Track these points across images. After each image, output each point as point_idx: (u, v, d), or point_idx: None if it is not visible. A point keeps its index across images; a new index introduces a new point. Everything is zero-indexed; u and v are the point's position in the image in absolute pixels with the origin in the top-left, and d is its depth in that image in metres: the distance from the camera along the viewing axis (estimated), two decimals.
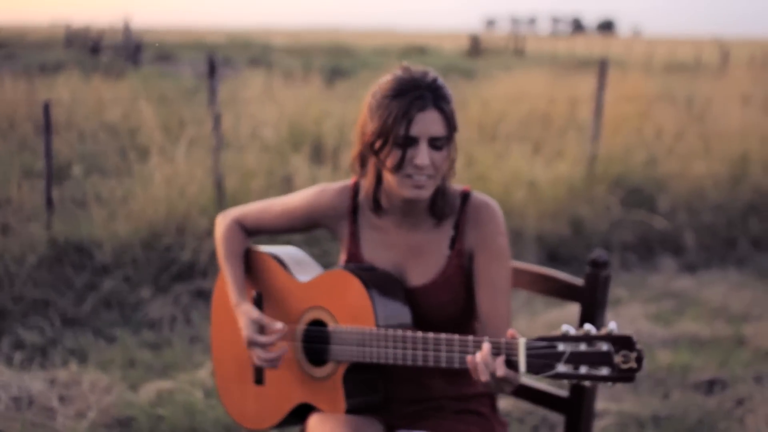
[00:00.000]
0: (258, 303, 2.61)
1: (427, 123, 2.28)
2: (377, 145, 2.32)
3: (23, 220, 6.42)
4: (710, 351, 5.35)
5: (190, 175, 6.84)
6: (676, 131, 9.77)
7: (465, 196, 2.47)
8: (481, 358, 2.08)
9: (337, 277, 2.44)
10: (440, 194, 2.42)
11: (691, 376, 4.95)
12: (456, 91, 2.34)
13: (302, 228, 2.64)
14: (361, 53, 33.27)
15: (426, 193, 2.34)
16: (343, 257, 2.58)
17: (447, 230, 2.46)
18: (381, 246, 2.52)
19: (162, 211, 6.46)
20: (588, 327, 1.97)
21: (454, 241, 2.45)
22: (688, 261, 7.50)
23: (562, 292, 2.72)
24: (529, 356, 2.03)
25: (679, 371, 5.01)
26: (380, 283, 2.41)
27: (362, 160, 2.45)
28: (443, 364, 2.21)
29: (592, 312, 2.61)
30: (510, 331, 2.08)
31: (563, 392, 2.72)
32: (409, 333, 2.25)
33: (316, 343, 2.46)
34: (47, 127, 6.42)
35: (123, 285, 5.97)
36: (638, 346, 1.93)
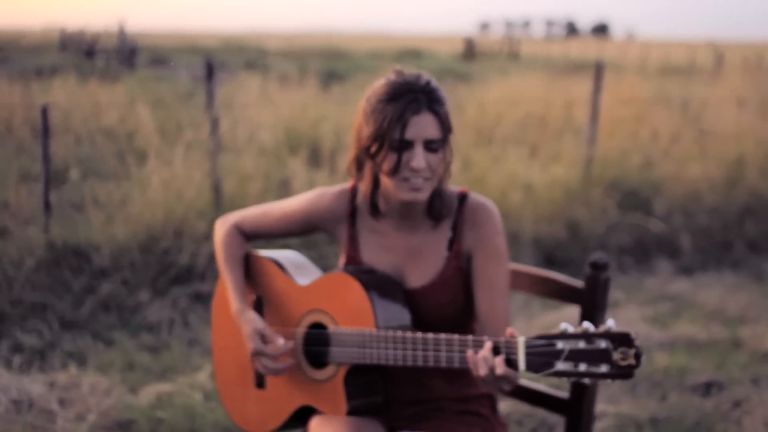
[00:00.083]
0: (258, 307, 2.63)
1: (422, 126, 2.30)
2: (373, 149, 2.34)
3: (21, 224, 6.43)
4: (707, 353, 5.38)
5: (188, 179, 6.84)
6: (671, 134, 9.79)
7: (462, 197, 2.49)
8: (481, 355, 2.10)
9: (336, 280, 2.45)
10: (437, 196, 2.44)
11: (688, 379, 4.97)
12: (452, 94, 2.36)
13: (301, 232, 2.65)
14: (355, 57, 33.28)
15: (423, 196, 2.35)
16: (342, 260, 2.59)
17: (445, 232, 2.48)
18: (380, 248, 2.53)
19: (160, 214, 6.46)
20: (586, 325, 1.99)
21: (452, 243, 2.47)
22: (684, 264, 7.52)
23: (562, 294, 2.74)
24: (528, 354, 2.04)
25: (676, 373, 5.03)
26: (380, 285, 2.42)
27: (359, 164, 2.46)
28: (443, 364, 2.22)
29: (592, 314, 2.63)
30: (509, 330, 2.10)
31: (563, 394, 2.73)
32: (408, 334, 2.27)
33: (316, 345, 2.47)
34: (45, 130, 6.43)
35: (121, 288, 5.98)
36: (637, 343, 1.94)
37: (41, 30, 52.50)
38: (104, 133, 9.35)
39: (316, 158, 8.23)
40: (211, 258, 6.23)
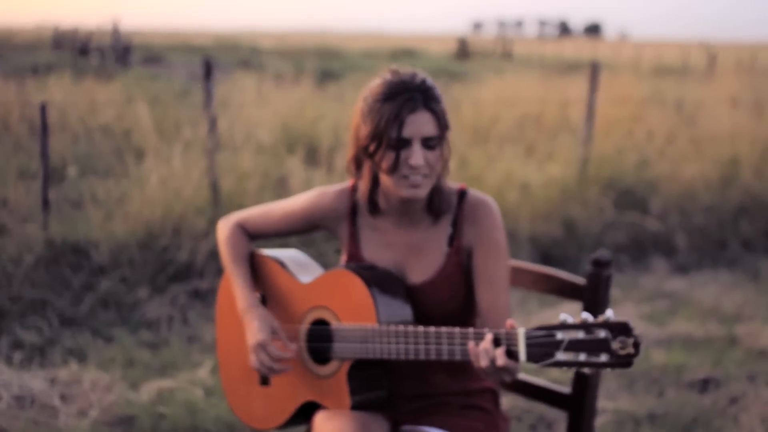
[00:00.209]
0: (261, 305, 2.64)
1: (419, 124, 2.32)
2: (371, 148, 2.36)
3: (19, 221, 6.44)
4: (704, 350, 5.41)
5: (186, 177, 6.86)
6: (666, 134, 9.83)
7: (462, 194, 2.51)
8: (482, 346, 2.13)
9: (338, 277, 2.47)
10: (437, 192, 2.46)
11: (685, 375, 5.01)
12: (447, 94, 2.39)
13: (303, 230, 2.67)
14: (349, 56, 33.30)
15: (423, 192, 2.38)
16: (343, 258, 2.61)
17: (445, 228, 2.50)
18: (381, 245, 2.55)
19: (158, 212, 6.48)
20: (585, 315, 2.01)
21: (453, 239, 2.49)
22: (680, 262, 7.55)
23: (564, 291, 2.76)
24: (528, 345, 2.06)
25: (673, 370, 5.06)
26: (381, 281, 2.44)
27: (357, 163, 2.48)
28: (444, 357, 2.24)
29: (594, 311, 2.65)
30: (509, 322, 2.12)
31: (565, 389, 2.75)
32: (410, 328, 2.29)
33: (319, 341, 2.50)
34: (44, 128, 6.44)
35: (120, 285, 5.99)
36: (635, 332, 1.96)
37: (34, 28, 52.38)
38: (101, 131, 9.36)
39: (313, 157, 8.25)
40: (210, 255, 6.25)
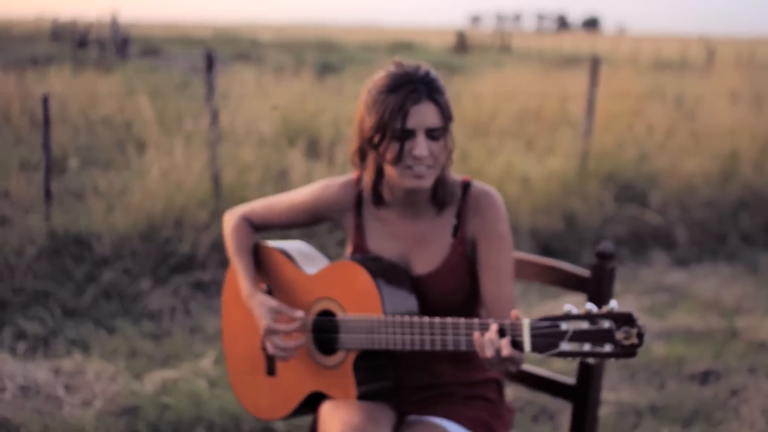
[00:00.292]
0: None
1: (423, 115, 2.34)
2: (376, 139, 2.39)
3: (21, 213, 6.45)
4: (704, 343, 5.44)
5: (188, 169, 6.87)
6: (666, 128, 9.85)
7: (466, 185, 2.54)
8: (487, 337, 2.15)
9: (344, 268, 2.49)
10: (441, 184, 2.48)
11: (686, 368, 5.03)
12: (447, 87, 2.41)
13: (308, 223, 2.69)
14: (348, 49, 33.24)
15: (427, 183, 2.40)
16: (348, 249, 2.64)
17: (449, 219, 2.52)
18: (386, 237, 2.57)
19: (160, 204, 6.49)
20: (590, 306, 2.03)
21: (457, 230, 2.51)
22: (679, 255, 7.58)
23: (568, 283, 2.78)
24: (533, 336, 2.08)
25: (674, 363, 5.09)
26: (386, 272, 2.46)
27: (362, 155, 2.51)
28: (450, 347, 2.26)
29: (598, 302, 2.67)
30: (514, 312, 2.14)
31: (570, 379, 2.77)
32: (415, 319, 2.31)
33: (325, 332, 2.51)
34: (46, 119, 6.45)
35: (122, 277, 6.00)
36: (639, 322, 1.99)
37: (32, 20, 52.28)
38: (102, 122, 9.36)
39: (314, 149, 8.26)
40: (212, 247, 6.26)
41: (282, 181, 7.23)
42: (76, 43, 24.96)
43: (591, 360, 2.03)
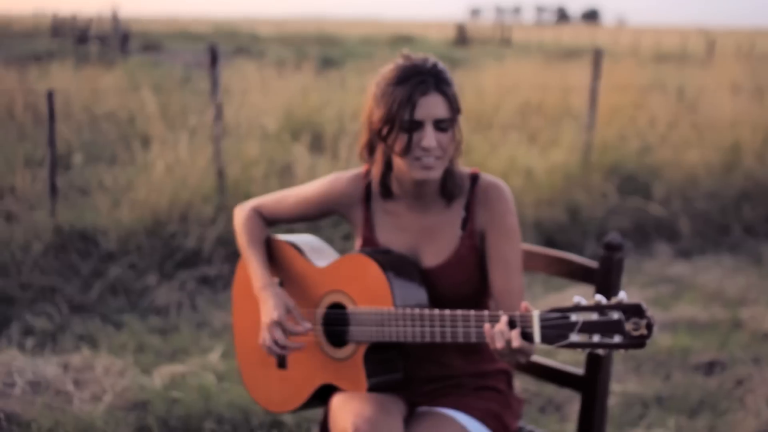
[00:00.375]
0: None
1: (431, 106, 2.36)
2: (384, 131, 2.40)
3: (27, 209, 6.48)
4: (709, 334, 5.46)
5: (192, 164, 6.89)
6: (668, 120, 9.87)
7: (474, 177, 2.55)
8: (498, 328, 2.16)
9: (354, 261, 2.51)
10: (449, 176, 2.50)
11: (691, 358, 5.06)
12: None
13: (317, 216, 2.71)
14: (347, 42, 33.24)
15: (435, 174, 2.41)
16: (358, 242, 2.65)
17: (458, 211, 2.54)
18: (395, 229, 2.59)
19: (165, 199, 6.52)
20: (599, 297, 2.05)
21: (466, 222, 2.52)
22: (683, 247, 7.60)
23: (576, 274, 2.79)
24: (543, 327, 2.10)
25: (679, 353, 5.11)
26: (396, 265, 2.47)
27: (370, 149, 2.53)
28: (460, 339, 2.28)
29: (606, 293, 2.67)
30: (523, 304, 2.16)
31: (579, 370, 2.79)
32: (426, 311, 2.32)
33: (336, 325, 2.53)
34: (51, 115, 6.47)
35: (129, 272, 6.03)
36: (648, 314, 2.00)
37: (31, 15, 52.23)
38: (105, 118, 9.38)
39: (317, 143, 8.28)
40: (218, 241, 6.29)
41: (286, 176, 7.25)
42: (77, 39, 24.94)
43: (600, 351, 2.04)
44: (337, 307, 2.54)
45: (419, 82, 2.35)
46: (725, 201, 8.24)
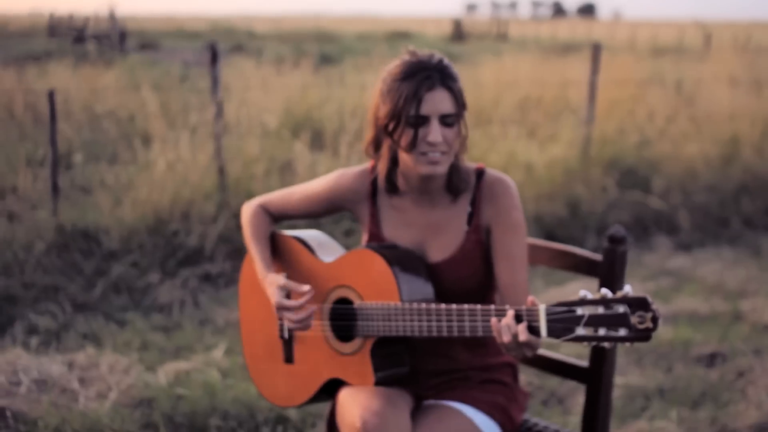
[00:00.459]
0: None
1: (437, 101, 2.38)
2: (391, 126, 2.42)
3: (29, 208, 6.49)
4: (709, 326, 5.49)
5: (193, 162, 6.91)
6: (667, 114, 9.89)
7: (480, 173, 2.57)
8: (504, 322, 2.18)
9: (360, 256, 2.52)
10: (455, 171, 2.51)
11: (692, 350, 5.08)
12: None
13: (324, 212, 2.73)
14: (344, 39, 33.21)
15: (441, 169, 2.43)
16: (364, 238, 2.66)
17: (464, 207, 2.55)
18: (401, 225, 2.60)
19: (166, 197, 6.53)
20: (604, 291, 2.06)
21: (472, 217, 2.54)
22: (682, 240, 7.63)
23: (580, 267, 2.81)
24: (549, 321, 2.11)
25: (680, 346, 5.14)
26: (403, 260, 2.49)
27: (376, 145, 2.54)
28: (467, 333, 2.29)
29: (610, 286, 2.69)
30: (530, 298, 2.17)
31: (583, 362, 2.81)
32: (433, 305, 2.34)
33: (343, 320, 2.55)
34: (52, 115, 6.49)
35: (131, 270, 6.05)
36: (653, 307, 2.01)
37: (27, 15, 52.19)
38: (105, 117, 9.40)
39: (318, 141, 8.30)
40: (219, 239, 6.31)
41: (287, 173, 7.27)
42: (75, 39, 24.92)
43: (606, 344, 2.06)
44: (343, 302, 2.55)
45: (425, 78, 2.37)
46: (724, 194, 8.27)
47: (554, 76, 12.09)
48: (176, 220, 6.43)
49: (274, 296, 2.51)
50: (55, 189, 6.48)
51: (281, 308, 2.50)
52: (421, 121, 2.38)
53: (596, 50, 8.61)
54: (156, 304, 5.81)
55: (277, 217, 2.77)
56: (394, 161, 2.52)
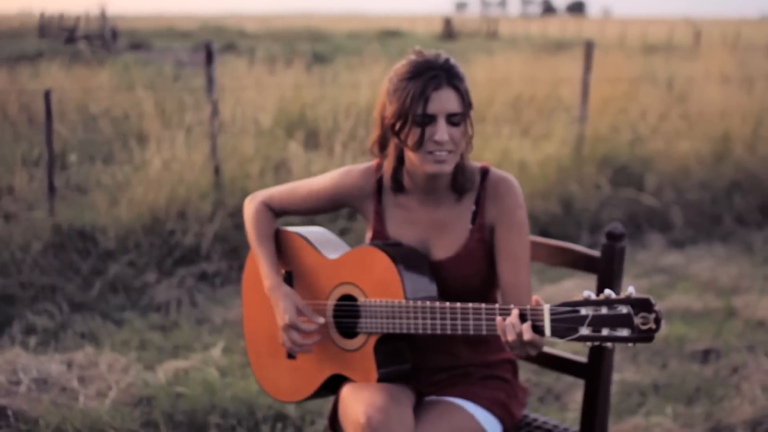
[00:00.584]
0: (288, 281, 2.71)
1: (443, 100, 2.40)
2: (398, 125, 2.45)
3: (26, 208, 6.51)
4: (703, 322, 5.53)
5: (189, 161, 6.93)
6: (659, 111, 9.94)
7: (484, 172, 2.60)
8: (509, 321, 2.21)
9: (365, 254, 2.54)
10: (460, 170, 2.54)
11: (686, 347, 5.13)
12: None
13: (328, 209, 2.75)
14: (335, 38, 33.18)
15: (448, 168, 2.46)
16: (368, 235, 2.69)
17: (468, 206, 2.58)
18: (405, 223, 2.63)
19: (162, 196, 6.55)
20: (608, 292, 2.08)
21: (476, 216, 2.57)
22: (675, 237, 7.68)
23: (579, 263, 2.84)
24: (553, 321, 2.14)
25: (675, 342, 5.18)
26: (407, 257, 2.51)
27: (382, 144, 2.57)
28: (471, 332, 2.32)
29: (608, 282, 2.72)
30: (534, 297, 2.20)
31: (582, 358, 2.84)
32: (437, 304, 2.36)
33: (346, 317, 2.57)
34: (48, 114, 6.51)
35: (128, 270, 6.07)
36: (656, 308, 2.04)
37: (15, 14, 52.00)
38: (99, 117, 9.40)
39: (312, 140, 8.32)
40: (216, 238, 6.33)
41: (282, 172, 7.29)
42: (65, 39, 24.85)
43: (609, 344, 2.08)
44: (347, 299, 2.58)
45: (432, 77, 2.40)
46: (716, 191, 8.32)
47: (546, 74, 12.12)
48: (172, 220, 6.45)
49: (289, 313, 2.53)
50: (51, 189, 6.49)
51: (293, 327, 2.52)
52: (428, 120, 2.41)
53: (589, 48, 8.65)
54: (153, 304, 5.83)
55: (280, 213, 2.78)
56: (400, 160, 2.55)
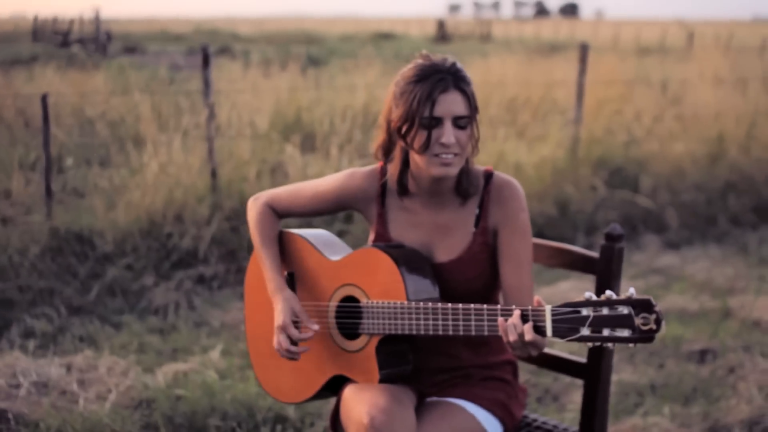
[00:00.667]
0: (290, 283, 2.72)
1: (450, 103, 2.42)
2: (404, 129, 2.46)
3: (23, 212, 6.51)
4: (699, 323, 5.56)
5: (185, 165, 6.94)
6: (653, 113, 9.97)
7: (488, 175, 2.62)
8: (511, 322, 2.23)
9: (367, 255, 2.56)
10: (465, 174, 2.56)
11: (683, 347, 5.15)
12: None
13: (332, 210, 2.76)
14: (329, 40, 33.21)
15: (454, 171, 2.47)
16: (371, 237, 2.70)
17: (472, 209, 2.60)
18: (408, 225, 2.64)
19: (159, 199, 6.56)
20: (609, 293, 2.10)
21: (479, 219, 2.58)
22: (670, 238, 7.71)
23: (578, 264, 2.85)
24: (554, 321, 2.15)
25: (671, 343, 5.21)
26: (409, 259, 2.53)
27: (386, 149, 2.59)
28: (473, 333, 2.33)
29: (607, 283, 2.73)
30: (536, 298, 2.23)
31: (581, 358, 2.85)
32: (439, 305, 2.38)
33: (348, 318, 2.59)
34: (45, 118, 6.52)
35: (126, 273, 6.08)
36: (657, 309, 2.05)
37: (8, 18, 51.94)
38: (95, 120, 9.40)
39: (308, 143, 8.33)
40: (213, 241, 6.35)
41: (279, 175, 7.30)
42: (60, 42, 24.82)
43: (610, 345, 2.10)
44: (349, 301, 2.59)
45: (439, 80, 2.41)
46: (711, 192, 8.36)
47: (541, 76, 12.14)
48: (169, 223, 6.46)
49: (284, 314, 2.55)
50: (49, 193, 6.50)
51: (284, 330, 2.54)
52: (435, 122, 2.42)
53: (583, 50, 8.68)
54: (151, 307, 5.84)
55: (282, 214, 2.79)
56: (405, 163, 2.57)
